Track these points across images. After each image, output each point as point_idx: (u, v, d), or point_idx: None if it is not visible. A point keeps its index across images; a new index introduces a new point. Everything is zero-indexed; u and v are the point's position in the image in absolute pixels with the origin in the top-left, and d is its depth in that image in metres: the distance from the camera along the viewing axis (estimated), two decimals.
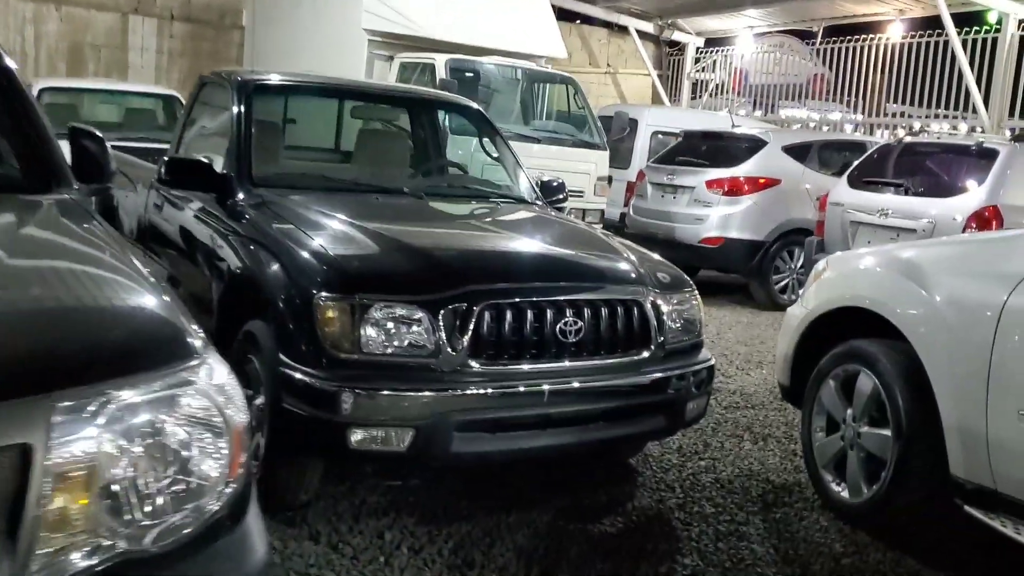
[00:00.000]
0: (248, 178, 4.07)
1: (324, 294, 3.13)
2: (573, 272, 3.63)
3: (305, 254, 3.35)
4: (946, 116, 12.96)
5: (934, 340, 3.50)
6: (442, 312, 3.17)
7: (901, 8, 13.42)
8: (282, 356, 3.20)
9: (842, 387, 3.98)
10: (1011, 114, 11.88)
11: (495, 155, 4.92)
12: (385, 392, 3.07)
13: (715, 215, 9.19)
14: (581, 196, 8.80)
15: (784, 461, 4.62)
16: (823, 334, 4.19)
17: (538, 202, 4.72)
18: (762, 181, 9.17)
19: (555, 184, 4.97)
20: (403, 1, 9.12)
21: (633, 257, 3.88)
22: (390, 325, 3.13)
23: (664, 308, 3.68)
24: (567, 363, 3.36)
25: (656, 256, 4.13)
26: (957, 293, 3.47)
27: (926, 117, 13.22)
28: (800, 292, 9.23)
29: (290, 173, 4.32)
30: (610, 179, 11.22)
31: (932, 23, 12.60)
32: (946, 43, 12.45)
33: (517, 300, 3.29)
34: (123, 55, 12.95)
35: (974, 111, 12.12)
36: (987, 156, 7.28)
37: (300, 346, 3.15)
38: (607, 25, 17.12)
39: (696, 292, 3.95)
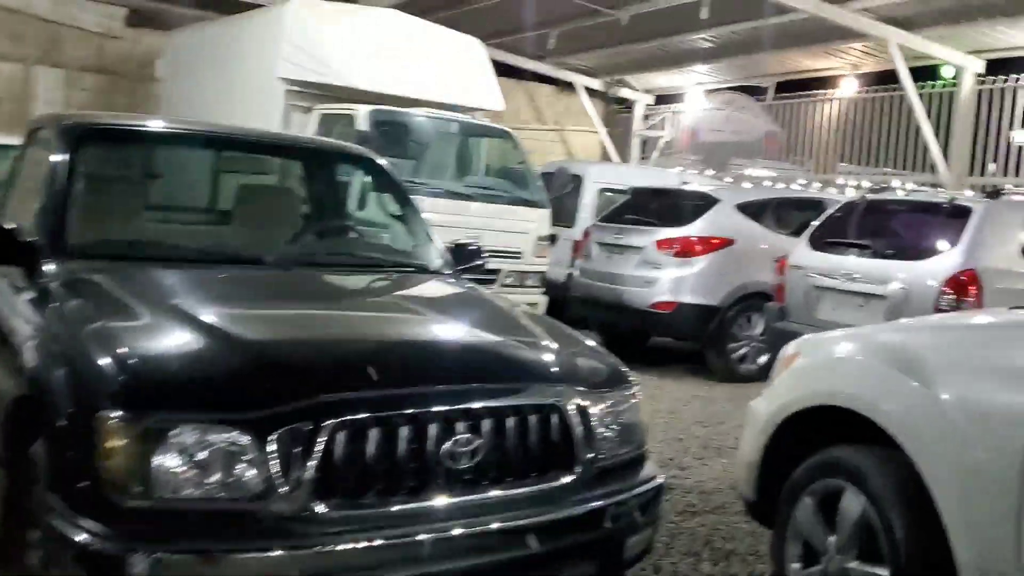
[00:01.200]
0: (60, 248, 3.15)
1: (105, 412, 2.21)
2: (470, 370, 2.74)
3: (95, 354, 2.42)
4: (896, 175, 12.38)
5: (941, 453, 2.68)
6: (275, 435, 2.26)
7: (854, 63, 12.98)
8: (50, 498, 2.27)
9: (822, 507, 3.13)
10: (970, 171, 11.38)
11: (397, 213, 4.06)
12: (189, 555, 2.15)
13: (666, 278, 8.42)
14: (520, 258, 7.99)
15: None
16: (796, 437, 3.36)
17: (446, 271, 3.86)
18: (715, 241, 8.44)
19: (470, 248, 4.12)
20: (325, 48, 8.33)
21: (554, 344, 3.02)
22: (200, 456, 2.22)
23: (594, 413, 2.82)
24: (459, 498, 2.47)
25: (586, 340, 3.28)
26: (970, 393, 2.66)
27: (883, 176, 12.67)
28: (761, 364, 8.49)
29: (120, 241, 3.40)
30: (554, 238, 10.49)
31: (886, 78, 12.15)
32: (902, 98, 11.98)
33: (386, 414, 2.40)
34: (25, 107, 11.95)
35: (932, 169, 11.60)
36: (959, 215, 6.61)
37: (73, 485, 2.23)
38: (554, 82, 16.56)
39: (637, 388, 3.09)
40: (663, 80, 16.40)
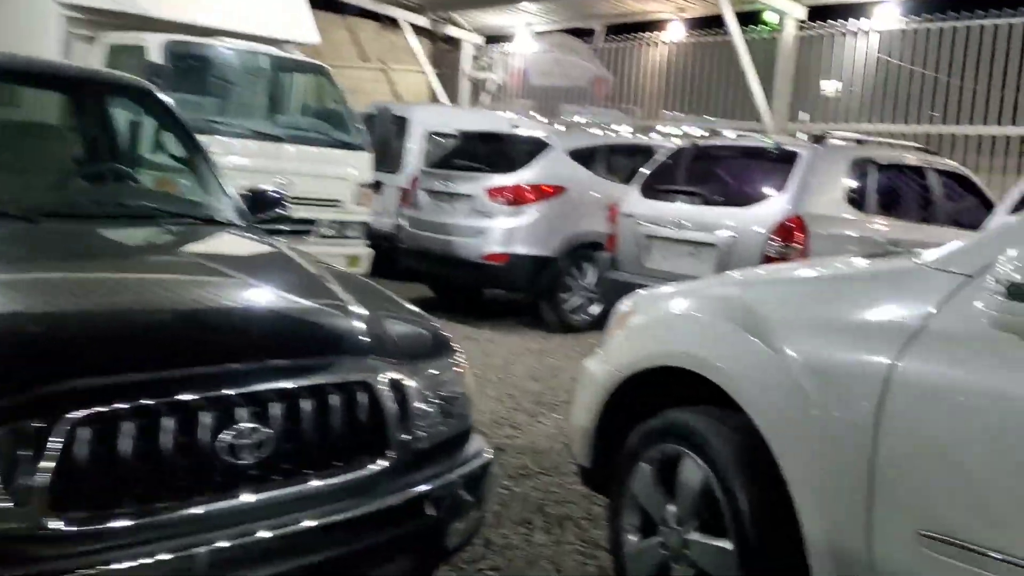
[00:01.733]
0: None
1: None
2: (256, 344, 2.28)
3: None
4: (718, 122, 12.45)
5: (786, 416, 2.47)
6: None
7: (681, 6, 12.98)
8: None
9: (660, 474, 2.90)
10: (792, 118, 11.63)
11: (180, 156, 3.49)
12: None
13: (498, 227, 8.13)
14: (339, 206, 7.45)
15: (587, 561, 3.51)
16: (634, 399, 3.11)
17: (239, 222, 3.34)
18: (548, 189, 8.20)
19: (270, 195, 3.61)
20: None
21: (364, 309, 2.59)
22: None
23: (411, 387, 2.43)
24: (244, 499, 2.04)
25: (404, 305, 2.87)
26: (817, 352, 2.45)
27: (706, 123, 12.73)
28: (595, 315, 8.37)
29: None
30: (378, 185, 9.99)
31: (712, 23, 12.20)
32: (727, 43, 12.07)
33: (144, 403, 1.93)
34: None
35: (756, 116, 11.77)
36: (786, 160, 6.60)
37: None
38: (377, 18, 15.78)
39: (462, 357, 2.73)
40: (492, 19, 15.95)
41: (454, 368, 2.67)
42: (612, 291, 7.32)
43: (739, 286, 3.00)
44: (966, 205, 7.44)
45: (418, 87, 16.46)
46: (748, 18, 11.99)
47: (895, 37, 10.80)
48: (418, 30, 16.01)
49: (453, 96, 16.48)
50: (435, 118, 10.85)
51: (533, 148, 8.51)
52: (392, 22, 15.75)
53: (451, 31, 16.26)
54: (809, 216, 6.27)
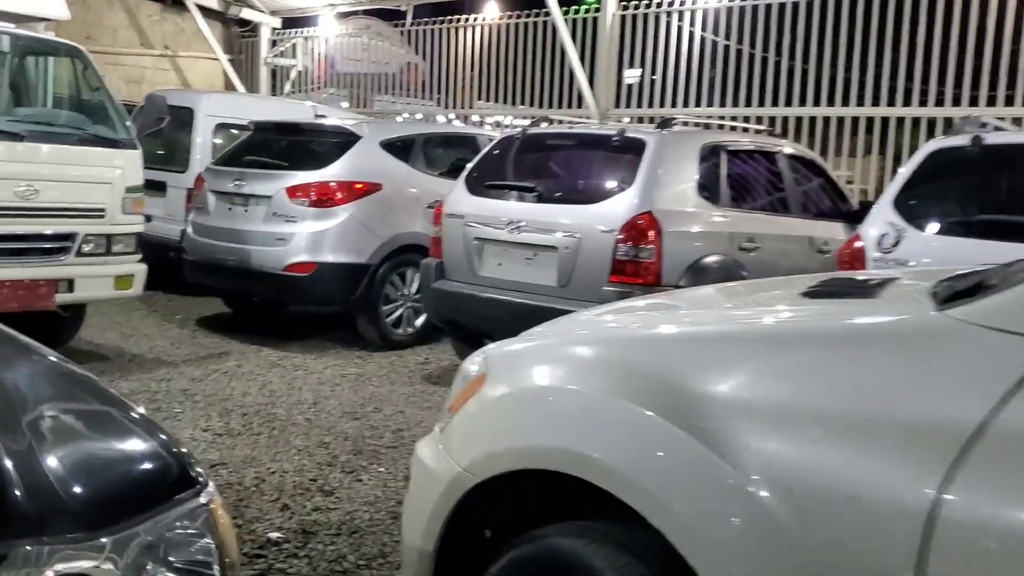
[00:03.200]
0: None
1: None
2: None
3: None
4: (534, 112, 11.59)
5: (753, 566, 1.54)
6: None
7: None
8: None
9: None
10: (616, 103, 10.97)
11: None
12: None
13: (303, 233, 6.95)
14: (102, 217, 6.05)
15: None
16: (494, 508, 2.12)
17: None
18: (359, 186, 7.09)
19: None
20: None
21: (22, 438, 1.45)
22: None
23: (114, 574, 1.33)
24: None
25: (116, 403, 1.74)
26: (801, 462, 1.53)
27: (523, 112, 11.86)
28: (419, 327, 7.33)
29: None
30: (163, 186, 8.60)
31: (532, 2, 11.36)
32: (546, 24, 11.27)
33: None
34: None
35: (580, 102, 11.04)
36: (631, 149, 5.79)
37: None
38: None
39: (209, 494, 1.63)
40: (291, 0, 14.52)
41: (199, 513, 1.58)
42: (441, 304, 6.32)
43: (643, 343, 2.04)
44: (816, 192, 6.95)
45: (211, 76, 14.80)
46: None
47: (719, 16, 10.33)
48: (208, 12, 14.35)
49: (252, 84, 14.94)
50: (226, 107, 9.46)
51: (340, 140, 7.36)
52: (178, 3, 14.03)
53: (246, 14, 14.69)
54: (661, 212, 5.48)
